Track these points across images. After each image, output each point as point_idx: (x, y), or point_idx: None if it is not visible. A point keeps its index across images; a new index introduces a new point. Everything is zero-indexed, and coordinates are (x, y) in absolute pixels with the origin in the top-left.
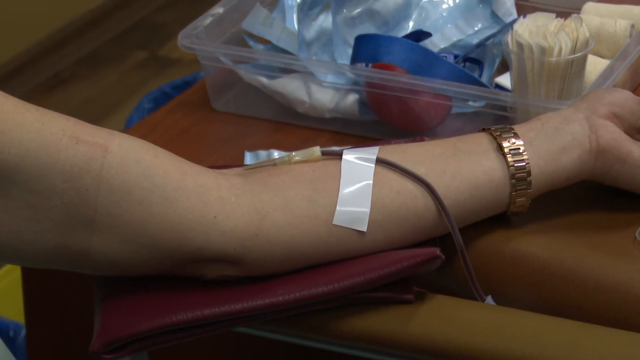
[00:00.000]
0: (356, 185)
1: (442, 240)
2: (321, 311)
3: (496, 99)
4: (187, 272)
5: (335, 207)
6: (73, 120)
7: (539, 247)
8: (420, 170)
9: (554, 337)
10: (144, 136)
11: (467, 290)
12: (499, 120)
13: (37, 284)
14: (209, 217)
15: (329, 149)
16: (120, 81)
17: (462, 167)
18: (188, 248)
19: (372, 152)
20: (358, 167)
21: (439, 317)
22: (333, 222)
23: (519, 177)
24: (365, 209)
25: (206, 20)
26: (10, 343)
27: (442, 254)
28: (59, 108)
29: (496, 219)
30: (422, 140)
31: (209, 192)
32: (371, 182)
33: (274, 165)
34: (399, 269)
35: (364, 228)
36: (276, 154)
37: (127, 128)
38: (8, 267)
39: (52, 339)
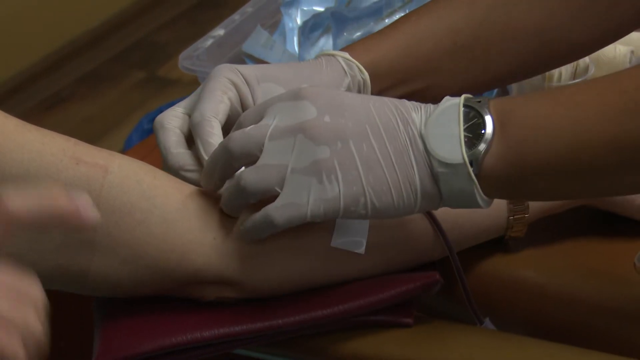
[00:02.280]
0: None
1: (441, 263)
2: (320, 334)
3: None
4: (187, 293)
5: (334, 230)
6: (73, 140)
7: (538, 271)
8: None
9: None
10: (144, 157)
11: (465, 315)
12: None
13: None
14: (208, 238)
15: None
16: (119, 100)
17: None
18: (188, 269)
19: None
20: None
21: (438, 341)
22: (331, 245)
23: (517, 202)
24: (364, 231)
25: (207, 42)
26: None
27: (441, 277)
28: (58, 127)
29: (495, 243)
30: None
31: (209, 214)
32: None
33: None
34: (398, 293)
35: (361, 250)
36: None
37: (127, 148)
38: None
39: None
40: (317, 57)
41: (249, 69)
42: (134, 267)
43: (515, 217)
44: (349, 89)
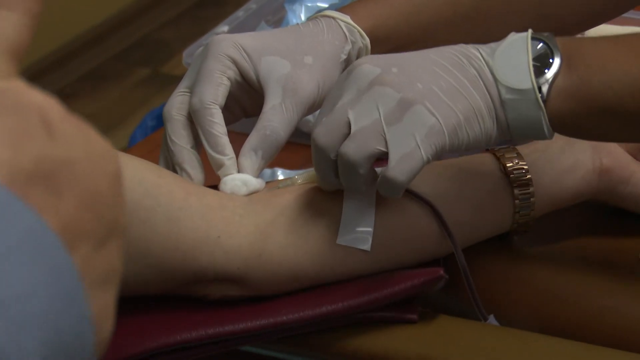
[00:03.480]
0: (360, 205)
1: (446, 260)
2: (324, 330)
3: None
4: (191, 292)
5: (339, 227)
6: None
7: (543, 268)
8: (423, 190)
9: (557, 358)
10: (148, 153)
11: (471, 311)
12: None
13: None
14: (212, 236)
15: None
16: (123, 98)
17: (466, 188)
18: (192, 267)
19: None
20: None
21: (442, 337)
22: (337, 242)
23: (523, 198)
24: (369, 229)
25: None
26: None
27: (446, 274)
28: None
29: (500, 240)
30: None
31: (213, 212)
32: (374, 201)
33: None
34: (403, 289)
35: (367, 248)
36: (280, 172)
37: (131, 145)
38: None
39: None
40: (317, 17)
41: (249, 40)
42: (138, 265)
43: (521, 213)
44: (349, 56)
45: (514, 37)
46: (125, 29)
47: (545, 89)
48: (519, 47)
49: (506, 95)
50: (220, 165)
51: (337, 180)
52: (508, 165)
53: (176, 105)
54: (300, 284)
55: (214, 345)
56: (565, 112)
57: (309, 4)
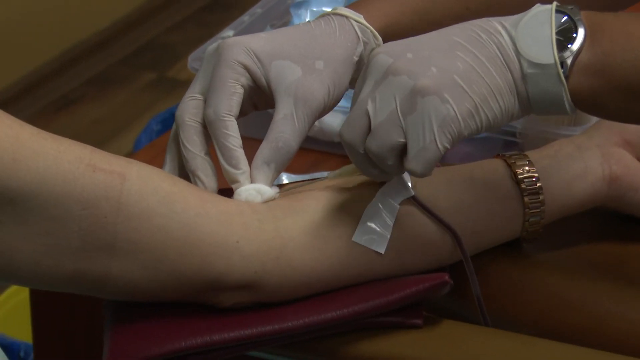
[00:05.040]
0: (381, 208)
1: (452, 265)
2: (329, 335)
3: (506, 125)
4: (204, 299)
5: (357, 225)
6: (90, 148)
7: (549, 274)
8: (438, 202)
9: None
10: (153, 158)
11: (476, 315)
12: (507, 145)
13: (45, 307)
14: (231, 241)
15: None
16: (128, 102)
17: (479, 197)
18: (209, 273)
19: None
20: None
21: (448, 342)
22: (352, 239)
23: (533, 206)
24: (387, 231)
25: (216, 43)
26: None
27: (451, 279)
28: (68, 128)
29: (508, 245)
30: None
31: (232, 218)
32: (396, 209)
33: (311, 182)
34: (408, 295)
35: (382, 250)
36: (285, 176)
37: (136, 150)
38: (15, 287)
39: None
40: (330, 15)
41: (260, 44)
42: (154, 272)
43: (531, 220)
44: (360, 58)
45: (538, 9)
46: (130, 33)
47: (568, 63)
48: (543, 19)
49: (528, 70)
50: (234, 180)
51: (376, 169)
52: (519, 172)
53: (189, 110)
54: (311, 290)
55: (219, 352)
56: (585, 89)
57: (314, 9)
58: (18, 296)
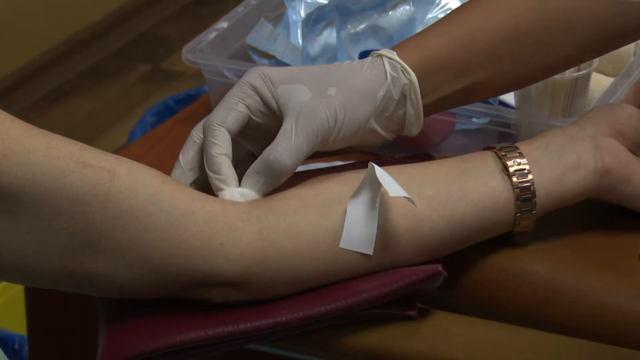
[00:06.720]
0: (363, 209)
1: (445, 257)
2: (324, 328)
3: (500, 116)
4: (194, 296)
5: (342, 230)
6: (80, 144)
7: (543, 265)
8: (426, 194)
9: (556, 355)
10: (147, 150)
11: (470, 307)
12: (502, 136)
13: (40, 299)
14: (215, 244)
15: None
16: (123, 94)
17: (469, 189)
18: (194, 274)
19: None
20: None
21: (442, 334)
22: (340, 246)
23: (524, 199)
24: (372, 232)
25: (210, 34)
26: (16, 356)
27: (445, 270)
28: (61, 121)
29: (500, 237)
30: (427, 155)
31: (216, 218)
32: (378, 206)
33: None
34: (401, 286)
35: (370, 251)
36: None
37: (131, 142)
38: None
39: (55, 355)
40: (370, 56)
41: (278, 71)
42: (139, 271)
43: (522, 213)
44: (388, 92)
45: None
46: (125, 25)
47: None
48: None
49: None
50: (216, 187)
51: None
52: (509, 164)
53: (198, 126)
54: (303, 287)
55: (213, 346)
56: None
57: (309, 0)
58: (13, 289)
